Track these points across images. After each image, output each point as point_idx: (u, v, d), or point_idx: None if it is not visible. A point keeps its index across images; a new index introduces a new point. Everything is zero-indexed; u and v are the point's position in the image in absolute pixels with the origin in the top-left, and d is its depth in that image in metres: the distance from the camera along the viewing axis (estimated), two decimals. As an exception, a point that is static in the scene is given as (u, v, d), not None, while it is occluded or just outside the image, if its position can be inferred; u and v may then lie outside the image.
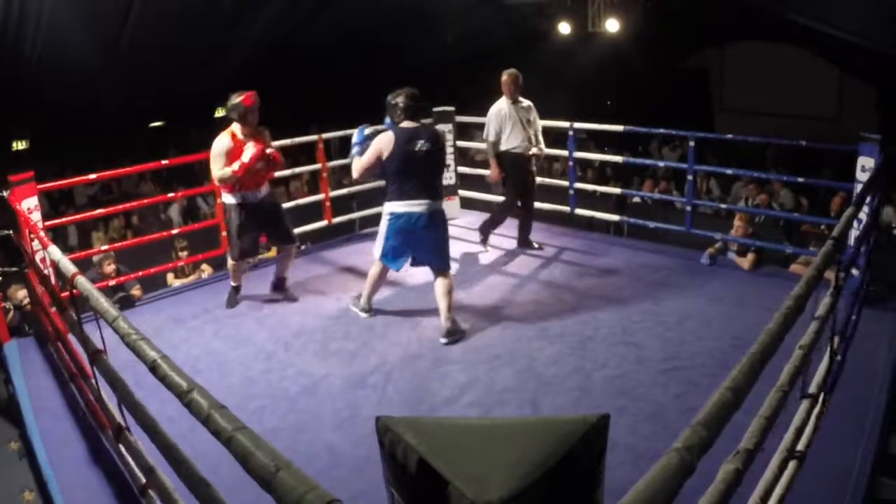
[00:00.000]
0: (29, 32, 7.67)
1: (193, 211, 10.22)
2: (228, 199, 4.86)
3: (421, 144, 4.28)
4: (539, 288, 5.34)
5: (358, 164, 4.43)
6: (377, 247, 4.52)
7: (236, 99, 4.63)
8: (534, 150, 5.91)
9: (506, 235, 6.63)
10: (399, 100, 4.35)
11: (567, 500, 1.19)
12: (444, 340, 4.45)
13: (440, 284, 4.47)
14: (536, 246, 6.16)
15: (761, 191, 8.35)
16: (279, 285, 5.28)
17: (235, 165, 4.62)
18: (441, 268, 4.49)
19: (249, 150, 4.64)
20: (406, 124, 4.35)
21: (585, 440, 1.19)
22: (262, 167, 4.79)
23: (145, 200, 7.23)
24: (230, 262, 5.14)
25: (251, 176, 4.74)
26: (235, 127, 4.70)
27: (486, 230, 6.23)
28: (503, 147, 5.84)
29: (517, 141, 5.83)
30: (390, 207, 4.40)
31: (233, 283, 5.25)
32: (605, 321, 4.70)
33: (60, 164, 9.61)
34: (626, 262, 5.78)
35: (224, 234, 5.39)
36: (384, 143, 4.30)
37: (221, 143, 4.69)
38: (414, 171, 4.29)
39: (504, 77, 5.85)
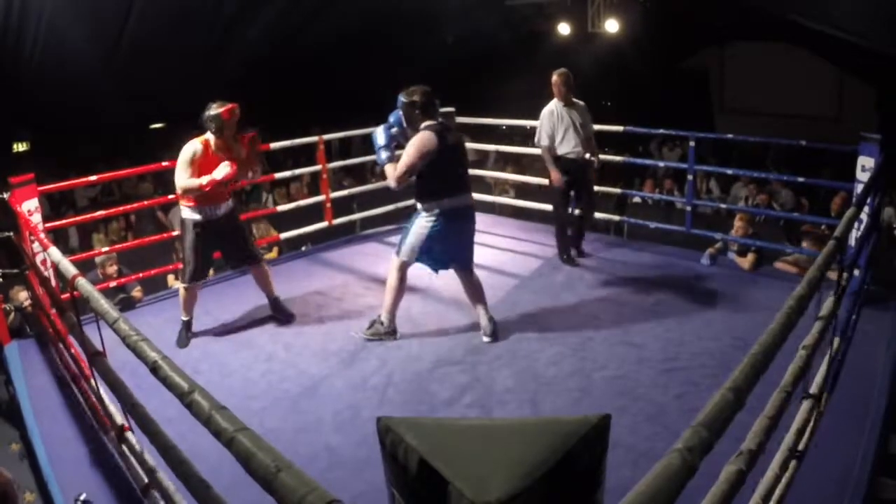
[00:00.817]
0: (29, 33, 7.67)
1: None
2: (187, 213, 4.49)
3: (451, 139, 4.19)
4: (539, 288, 5.34)
5: (395, 170, 4.15)
6: (410, 249, 4.30)
7: (215, 110, 4.38)
8: (589, 156, 5.59)
9: (506, 236, 6.64)
10: (416, 98, 4.17)
11: (567, 500, 1.19)
12: (486, 339, 4.42)
13: (471, 283, 4.41)
14: (578, 255, 5.89)
15: (761, 191, 8.35)
16: (276, 306, 4.98)
17: (204, 179, 4.30)
18: (469, 265, 4.43)
19: (224, 169, 4.32)
20: (430, 122, 4.18)
21: (586, 441, 1.20)
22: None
23: (145, 202, 7.22)
24: (181, 288, 4.67)
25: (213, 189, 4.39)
26: (209, 136, 4.42)
27: (562, 248, 5.83)
28: (558, 152, 5.54)
29: (570, 146, 5.52)
30: (437, 206, 4.17)
31: (183, 317, 4.69)
32: (605, 321, 4.70)
33: (61, 165, 9.61)
34: (626, 263, 5.78)
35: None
36: (428, 142, 4.08)
37: (191, 150, 4.36)
38: (454, 166, 4.21)
39: (554, 77, 5.56)
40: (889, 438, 3.41)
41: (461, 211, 4.25)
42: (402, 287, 4.47)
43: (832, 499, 2.92)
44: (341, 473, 3.23)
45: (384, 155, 4.26)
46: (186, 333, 4.71)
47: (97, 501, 3.10)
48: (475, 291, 4.44)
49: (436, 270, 4.48)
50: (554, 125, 5.51)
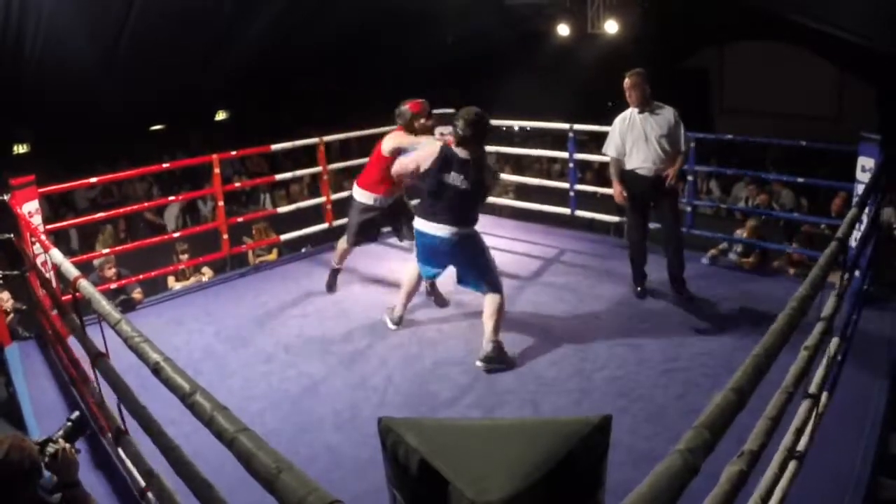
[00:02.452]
0: (29, 33, 7.68)
1: (193, 213, 10.22)
2: (364, 198, 4.92)
3: (454, 178, 4.05)
4: (540, 289, 5.34)
5: (399, 164, 4.37)
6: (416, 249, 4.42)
7: (404, 105, 4.75)
8: (663, 170, 4.77)
9: (506, 237, 6.63)
10: (460, 124, 4.04)
11: (568, 500, 1.19)
12: (478, 364, 4.15)
13: (485, 306, 4.24)
14: (676, 292, 5.03)
15: (761, 191, 8.35)
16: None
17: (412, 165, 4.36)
18: (481, 290, 4.28)
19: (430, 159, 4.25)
20: (456, 149, 4.10)
21: (586, 441, 1.20)
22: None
23: (145, 204, 7.23)
24: (342, 245, 5.19)
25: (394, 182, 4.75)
26: (401, 131, 4.78)
27: (634, 276, 5.19)
28: (627, 165, 4.88)
29: (638, 160, 4.79)
30: (416, 222, 4.26)
31: (336, 265, 5.31)
32: (606, 322, 4.70)
33: (61, 167, 9.61)
34: (626, 264, 5.77)
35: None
36: (427, 155, 4.13)
37: (406, 138, 4.73)
38: (445, 196, 4.09)
39: (626, 80, 4.81)
40: (889, 438, 3.41)
41: (438, 240, 4.17)
42: (413, 287, 4.66)
43: (832, 499, 2.93)
44: (342, 474, 3.24)
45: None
46: (335, 278, 5.40)
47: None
48: (486, 314, 4.23)
49: (425, 277, 4.60)
50: (623, 134, 4.84)
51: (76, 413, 2.48)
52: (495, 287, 4.24)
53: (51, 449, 2.22)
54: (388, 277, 5.51)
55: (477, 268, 4.25)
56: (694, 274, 5.51)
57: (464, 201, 4.11)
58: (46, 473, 2.25)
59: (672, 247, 4.97)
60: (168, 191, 10.31)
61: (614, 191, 4.98)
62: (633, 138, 4.79)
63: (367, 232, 5.11)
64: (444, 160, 4.08)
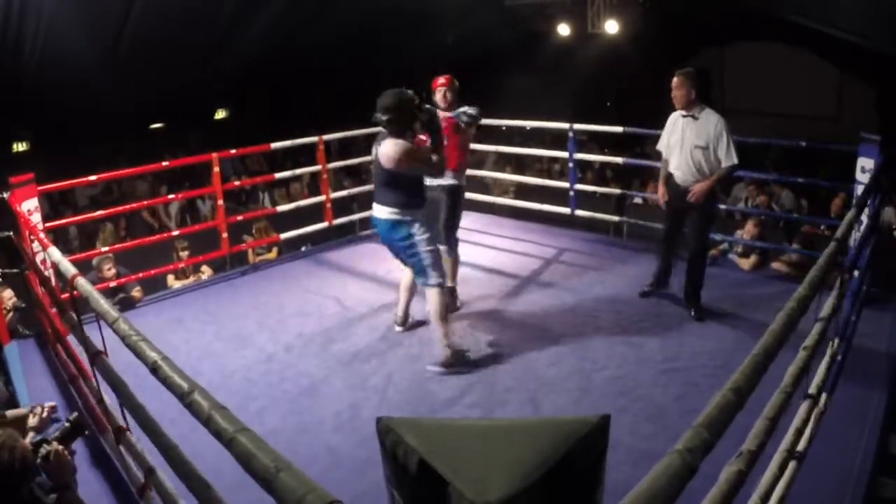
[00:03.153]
0: (29, 33, 7.67)
1: (193, 212, 10.21)
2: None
3: (375, 151, 4.02)
4: (539, 289, 5.34)
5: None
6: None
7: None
8: (692, 183, 4.52)
9: (506, 237, 6.64)
10: (378, 112, 3.97)
11: (567, 500, 1.19)
12: (432, 368, 4.13)
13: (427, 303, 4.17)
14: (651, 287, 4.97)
15: (761, 192, 8.34)
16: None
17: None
18: (421, 282, 4.15)
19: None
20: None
21: (586, 441, 1.19)
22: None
23: (145, 202, 7.22)
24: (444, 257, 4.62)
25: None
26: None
27: (655, 276, 5.02)
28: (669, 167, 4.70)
29: (674, 165, 4.61)
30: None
31: (451, 284, 4.78)
32: (605, 321, 4.70)
33: (61, 165, 9.60)
34: (626, 263, 5.78)
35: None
36: None
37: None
38: (376, 172, 4.08)
39: (673, 80, 4.55)
40: (889, 438, 3.41)
41: (374, 221, 4.15)
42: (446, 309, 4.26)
43: (832, 499, 2.93)
44: (341, 474, 3.24)
45: None
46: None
47: (95, 501, 3.09)
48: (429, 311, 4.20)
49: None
50: (668, 135, 4.67)
51: (74, 414, 2.48)
52: (430, 281, 4.08)
53: (44, 450, 2.21)
54: (388, 277, 5.51)
55: (411, 256, 4.10)
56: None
57: (382, 180, 4.01)
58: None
59: (690, 264, 4.74)
60: (168, 190, 10.30)
61: (658, 191, 4.85)
62: (673, 142, 4.61)
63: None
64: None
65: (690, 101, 4.45)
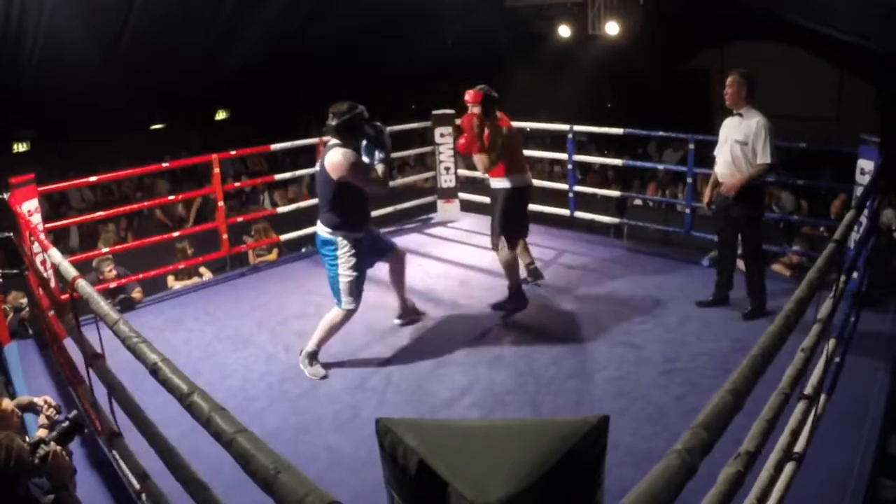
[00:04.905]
0: (29, 33, 7.68)
1: (203, 212, 10.18)
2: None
3: (318, 163, 4.07)
4: (539, 290, 5.34)
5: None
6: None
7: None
8: (723, 186, 4.57)
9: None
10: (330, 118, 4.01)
11: (567, 501, 1.19)
12: (301, 363, 4.22)
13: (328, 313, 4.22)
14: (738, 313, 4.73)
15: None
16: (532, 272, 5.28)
17: None
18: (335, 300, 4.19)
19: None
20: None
21: (585, 441, 1.20)
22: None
23: (145, 203, 7.21)
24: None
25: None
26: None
27: (756, 303, 4.74)
28: None
29: (718, 163, 4.64)
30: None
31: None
32: (605, 323, 4.70)
33: (61, 166, 9.61)
34: (626, 265, 5.78)
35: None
36: None
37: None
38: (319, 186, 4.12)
39: (727, 78, 4.57)
40: (889, 439, 3.41)
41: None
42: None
43: (831, 499, 2.93)
44: (341, 474, 3.24)
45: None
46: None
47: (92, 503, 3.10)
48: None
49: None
50: (720, 135, 4.66)
51: (74, 412, 2.48)
52: (339, 301, 4.13)
53: (41, 451, 2.21)
54: (386, 279, 5.48)
55: (332, 278, 4.12)
56: (693, 275, 5.52)
57: (322, 193, 4.04)
58: None
59: (745, 266, 4.76)
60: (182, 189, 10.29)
61: (706, 192, 4.88)
62: (721, 139, 4.64)
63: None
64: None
65: (740, 99, 4.48)
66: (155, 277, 5.92)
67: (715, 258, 5.74)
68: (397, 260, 4.54)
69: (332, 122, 3.93)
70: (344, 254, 4.03)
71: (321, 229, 4.07)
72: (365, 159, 4.05)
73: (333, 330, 4.19)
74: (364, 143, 4.08)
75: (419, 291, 5.22)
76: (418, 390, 3.97)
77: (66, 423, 2.42)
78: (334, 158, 3.89)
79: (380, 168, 4.05)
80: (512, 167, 4.73)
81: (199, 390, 1.71)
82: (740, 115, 4.49)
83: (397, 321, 4.77)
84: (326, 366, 4.28)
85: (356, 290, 4.12)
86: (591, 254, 6.10)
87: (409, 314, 4.79)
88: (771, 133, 4.38)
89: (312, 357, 4.22)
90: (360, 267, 4.12)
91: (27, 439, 2.42)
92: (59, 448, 2.26)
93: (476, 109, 4.60)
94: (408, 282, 4.81)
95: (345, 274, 4.06)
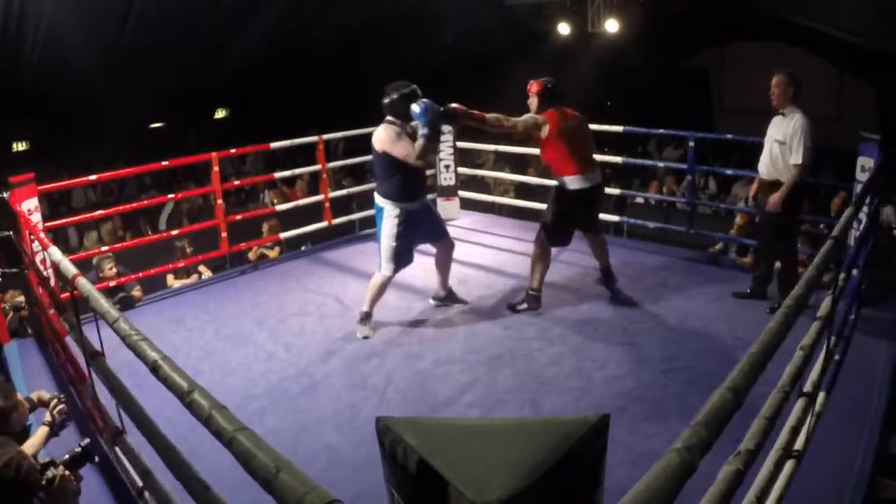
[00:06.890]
0: (29, 32, 7.67)
1: (204, 210, 10.17)
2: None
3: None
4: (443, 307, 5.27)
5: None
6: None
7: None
8: (768, 203, 4.56)
9: (506, 236, 6.64)
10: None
11: (567, 500, 1.19)
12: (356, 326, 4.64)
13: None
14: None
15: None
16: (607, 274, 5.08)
17: None
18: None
19: None
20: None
21: (586, 440, 1.20)
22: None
23: (145, 202, 7.20)
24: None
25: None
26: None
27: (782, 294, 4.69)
28: None
29: (760, 162, 4.71)
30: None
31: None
32: (605, 321, 4.70)
33: (60, 165, 9.60)
34: (626, 263, 5.77)
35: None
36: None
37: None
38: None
39: (773, 78, 4.65)
40: (889, 438, 3.41)
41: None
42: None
43: (831, 499, 2.93)
44: (341, 473, 3.24)
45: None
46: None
47: (93, 502, 3.10)
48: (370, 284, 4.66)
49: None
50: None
51: (86, 440, 2.49)
52: (382, 267, 4.52)
53: (50, 473, 2.22)
54: (393, 281, 5.50)
55: (379, 241, 4.52)
56: (694, 274, 5.52)
57: (380, 164, 4.41)
58: None
59: (784, 270, 4.75)
60: (167, 189, 10.28)
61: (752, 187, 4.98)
62: (766, 138, 4.68)
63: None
64: None
65: (786, 99, 4.53)
66: (154, 276, 5.91)
67: (715, 255, 5.76)
68: (445, 249, 4.81)
69: (384, 100, 4.37)
70: (389, 221, 4.43)
71: (376, 198, 4.51)
72: (422, 131, 4.26)
73: (377, 293, 4.61)
74: (413, 120, 4.33)
75: (418, 289, 5.22)
76: (418, 390, 3.97)
77: (79, 450, 2.45)
78: (378, 133, 4.37)
79: (419, 143, 4.27)
80: (561, 167, 4.66)
81: (199, 388, 1.71)
82: (783, 114, 4.54)
83: (432, 301, 5.03)
84: (326, 364, 4.28)
85: (395, 257, 4.47)
86: (591, 252, 6.08)
87: (447, 299, 5.01)
88: (806, 134, 4.40)
89: (365, 317, 4.63)
90: (404, 237, 4.46)
91: (38, 459, 2.42)
92: (67, 472, 2.27)
93: (532, 100, 4.75)
94: (407, 279, 4.83)
95: (387, 239, 4.45)
